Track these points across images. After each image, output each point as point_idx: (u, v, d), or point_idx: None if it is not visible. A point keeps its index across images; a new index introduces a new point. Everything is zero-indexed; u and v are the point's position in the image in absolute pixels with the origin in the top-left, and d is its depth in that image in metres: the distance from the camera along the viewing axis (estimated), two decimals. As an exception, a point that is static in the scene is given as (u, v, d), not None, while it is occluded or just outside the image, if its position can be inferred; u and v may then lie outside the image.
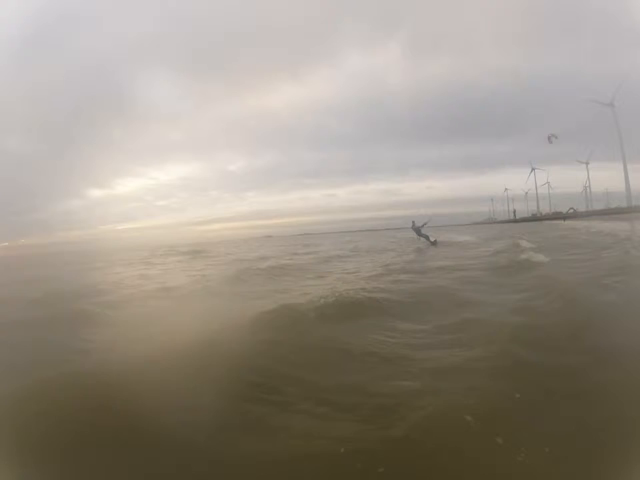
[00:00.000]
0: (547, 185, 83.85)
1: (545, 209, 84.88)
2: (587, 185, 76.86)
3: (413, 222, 20.11)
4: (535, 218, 77.66)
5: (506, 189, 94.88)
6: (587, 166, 75.83)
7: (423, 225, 19.94)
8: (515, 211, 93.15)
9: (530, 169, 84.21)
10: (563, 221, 47.07)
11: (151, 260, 21.22)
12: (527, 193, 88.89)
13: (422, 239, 19.70)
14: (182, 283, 9.53)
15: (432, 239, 19.31)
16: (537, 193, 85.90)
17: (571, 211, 74.13)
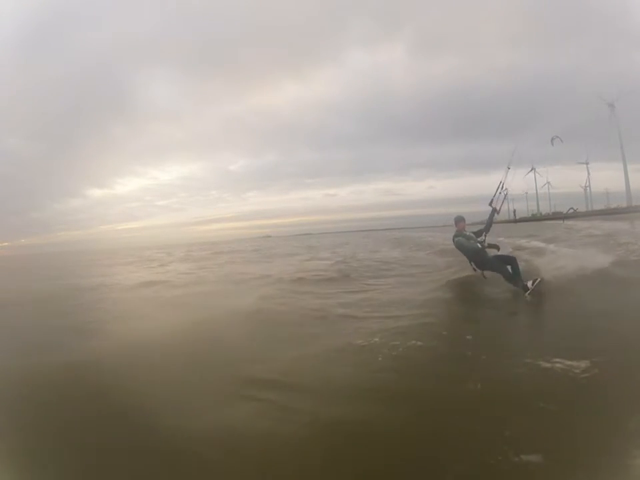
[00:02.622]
0: (547, 185, 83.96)
1: (545, 208, 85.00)
2: (587, 185, 76.90)
3: (459, 221, 6.82)
4: (535, 218, 77.61)
5: (506, 189, 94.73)
6: (587, 166, 75.89)
7: (485, 233, 6.65)
8: (514, 211, 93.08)
9: (530, 169, 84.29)
10: (562, 221, 46.95)
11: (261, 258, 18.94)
12: (527, 193, 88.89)
13: (483, 272, 6.61)
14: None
15: (526, 279, 5.98)
16: (536, 193, 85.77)
17: (571, 211, 73.91)
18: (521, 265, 6.63)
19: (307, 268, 11.90)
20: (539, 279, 5.94)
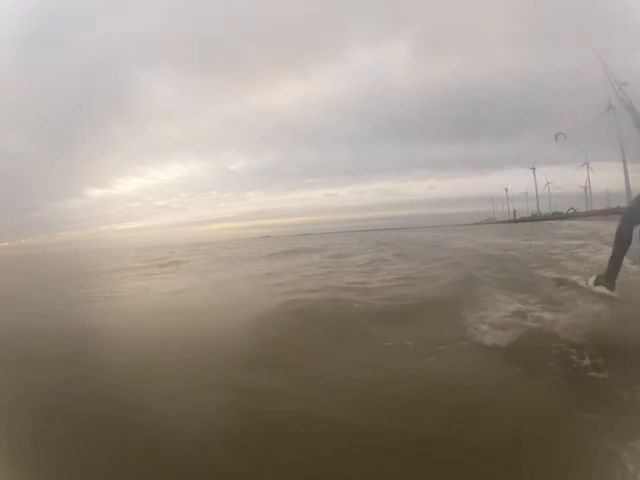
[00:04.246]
0: (547, 185, 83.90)
1: (545, 208, 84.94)
2: (587, 185, 76.78)
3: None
4: (535, 218, 77.59)
5: (506, 189, 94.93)
6: (587, 166, 75.79)
7: None
8: (515, 211, 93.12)
9: (531, 169, 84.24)
10: (562, 222, 46.95)
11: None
12: (527, 193, 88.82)
13: None
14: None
15: None
16: (537, 193, 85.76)
17: (571, 211, 73.91)
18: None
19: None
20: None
